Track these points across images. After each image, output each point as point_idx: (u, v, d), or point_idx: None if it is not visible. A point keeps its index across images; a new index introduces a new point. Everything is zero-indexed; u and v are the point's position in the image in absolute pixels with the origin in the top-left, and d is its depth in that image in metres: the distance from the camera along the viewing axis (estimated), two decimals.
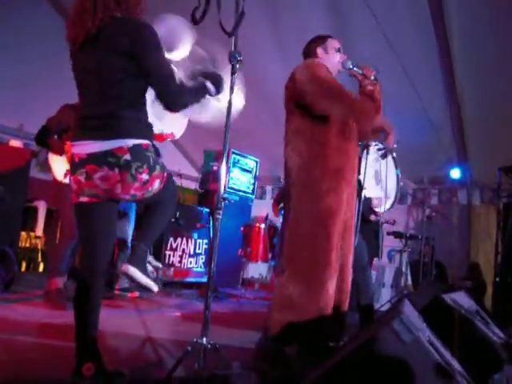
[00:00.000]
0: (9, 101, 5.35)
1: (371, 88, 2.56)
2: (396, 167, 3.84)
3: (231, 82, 2.08)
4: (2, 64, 5.04)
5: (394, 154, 3.74)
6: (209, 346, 1.98)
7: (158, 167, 1.87)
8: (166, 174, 1.94)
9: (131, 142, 1.79)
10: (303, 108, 2.41)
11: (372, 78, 2.55)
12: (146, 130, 1.88)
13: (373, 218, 3.94)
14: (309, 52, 2.67)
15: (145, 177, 1.82)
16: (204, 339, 1.98)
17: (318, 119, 2.40)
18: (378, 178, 3.60)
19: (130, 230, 4.53)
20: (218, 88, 2.04)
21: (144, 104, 1.90)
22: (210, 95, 2.04)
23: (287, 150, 2.50)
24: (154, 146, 1.92)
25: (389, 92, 4.76)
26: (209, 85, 2.01)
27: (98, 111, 1.82)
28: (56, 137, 3.61)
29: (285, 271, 2.34)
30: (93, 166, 1.79)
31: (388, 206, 3.75)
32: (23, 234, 5.14)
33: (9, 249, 4.04)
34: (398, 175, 3.84)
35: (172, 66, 1.89)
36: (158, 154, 2.00)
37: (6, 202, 4.12)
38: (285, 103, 2.55)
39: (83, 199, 1.89)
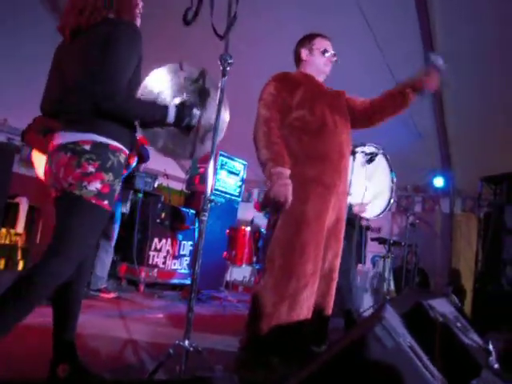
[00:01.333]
0: None
1: (413, 95, 2.52)
2: (391, 170, 3.76)
3: (221, 84, 2.07)
4: None
5: (388, 157, 3.68)
6: (191, 349, 1.97)
7: (110, 174, 1.77)
8: (106, 202, 1.77)
9: (100, 138, 1.76)
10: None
11: (425, 90, 2.50)
12: (121, 134, 1.83)
13: (364, 222, 3.93)
14: (295, 53, 2.62)
15: (90, 169, 1.73)
16: (186, 342, 1.97)
17: (294, 123, 2.38)
18: (369, 183, 3.57)
19: (115, 231, 4.51)
20: (180, 119, 1.91)
21: None
22: (165, 120, 1.89)
23: None
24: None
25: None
26: (171, 110, 1.88)
27: (77, 107, 1.79)
28: (41, 135, 3.57)
29: (261, 279, 2.33)
30: (56, 153, 1.78)
31: (379, 210, 3.69)
32: (3, 230, 5.06)
33: None
34: (392, 178, 3.74)
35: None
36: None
37: None
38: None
39: (53, 194, 1.84)
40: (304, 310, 2.24)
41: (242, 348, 2.30)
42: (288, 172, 2.23)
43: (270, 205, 2.30)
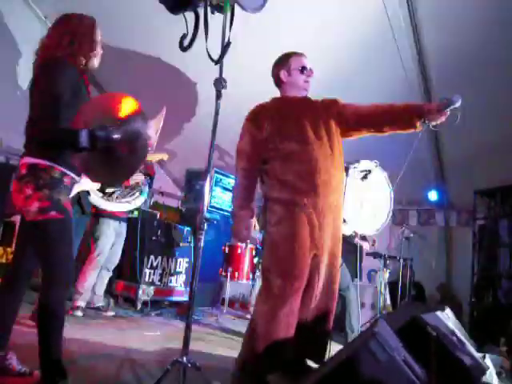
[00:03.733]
0: None
1: (433, 123, 2.44)
2: (389, 185, 3.71)
3: (216, 106, 2.12)
4: None
5: (385, 174, 3.70)
6: (189, 365, 1.98)
7: (45, 190, 1.95)
8: (53, 213, 1.95)
9: (31, 160, 1.98)
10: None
11: (435, 122, 2.41)
12: (51, 152, 1.99)
13: (356, 241, 3.96)
14: (274, 77, 2.63)
15: (28, 191, 1.95)
16: (184, 358, 1.98)
17: (271, 153, 2.47)
18: (364, 199, 3.57)
19: (118, 253, 4.53)
20: (93, 142, 1.85)
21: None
22: (78, 145, 1.86)
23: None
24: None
25: None
26: (83, 134, 1.83)
27: (28, 133, 2.06)
28: None
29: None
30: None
31: (379, 226, 3.69)
32: (0, 249, 5.06)
33: None
34: (390, 193, 3.71)
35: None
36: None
37: None
38: None
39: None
40: (282, 327, 2.24)
41: (236, 365, 2.32)
42: (242, 213, 2.48)
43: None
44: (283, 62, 2.59)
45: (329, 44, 4.54)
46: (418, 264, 6.11)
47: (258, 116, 2.52)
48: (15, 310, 2.15)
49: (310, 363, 2.36)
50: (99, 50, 2.22)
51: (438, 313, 2.45)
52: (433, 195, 6.75)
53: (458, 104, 2.29)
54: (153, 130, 3.91)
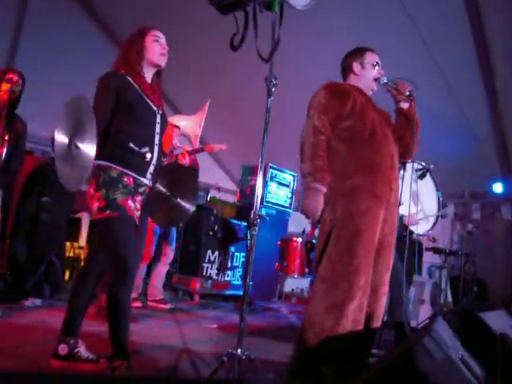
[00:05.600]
0: (57, 117, 5.64)
1: (405, 106, 2.52)
2: (437, 189, 3.71)
3: (268, 104, 2.14)
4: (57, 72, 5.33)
5: (434, 176, 3.64)
6: (243, 357, 2.03)
7: (103, 190, 2.09)
8: (108, 211, 2.07)
9: (96, 162, 2.07)
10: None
11: (407, 93, 2.47)
12: (111, 154, 2.14)
13: (415, 236, 3.87)
14: (345, 65, 2.61)
15: (91, 191, 2.13)
16: (239, 350, 2.03)
17: (344, 132, 2.37)
18: (416, 199, 3.51)
19: (172, 251, 4.66)
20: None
21: (114, 132, 2.18)
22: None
23: None
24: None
25: (430, 105, 4.75)
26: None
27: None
28: None
29: (312, 292, 2.34)
30: None
31: (428, 227, 3.63)
32: (67, 244, 5.37)
33: (55, 258, 4.24)
34: (438, 198, 3.69)
35: None
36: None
37: (53, 214, 4.33)
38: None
39: None
40: (349, 323, 2.18)
41: (293, 358, 2.32)
42: (323, 189, 2.28)
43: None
44: (358, 54, 2.57)
45: None
46: (481, 260, 5.84)
47: (340, 90, 2.46)
48: (88, 300, 2.28)
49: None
50: (157, 50, 2.28)
51: (502, 311, 2.35)
52: (498, 187, 6.42)
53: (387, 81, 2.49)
54: (196, 123, 4.02)
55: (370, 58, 2.55)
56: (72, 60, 5.57)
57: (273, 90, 2.14)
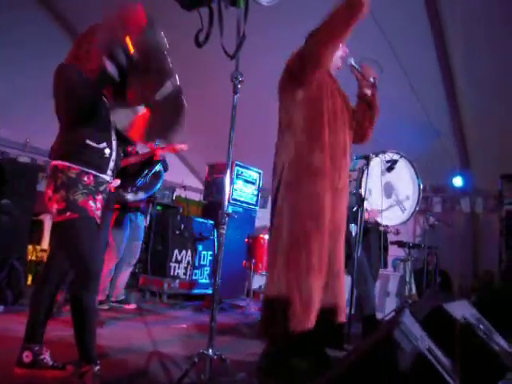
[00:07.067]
0: (15, 116, 5.45)
1: (368, 91, 2.54)
2: (417, 177, 3.70)
3: (234, 101, 2.13)
4: (7, 77, 5.14)
5: (413, 163, 3.63)
6: (215, 357, 2.02)
7: (62, 192, 2.04)
8: (68, 213, 2.03)
9: (53, 162, 2.11)
10: (297, 84, 2.34)
11: (371, 80, 2.51)
12: (68, 153, 2.09)
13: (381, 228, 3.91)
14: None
15: (49, 193, 2.08)
16: (210, 350, 2.02)
17: (310, 110, 2.33)
18: (392, 190, 3.54)
19: (138, 248, 4.59)
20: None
21: (69, 130, 2.13)
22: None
23: (277, 145, 2.46)
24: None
25: (391, 97, 4.83)
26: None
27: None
28: None
29: (268, 279, 2.34)
30: None
31: (405, 217, 3.66)
32: (29, 247, 5.20)
33: (16, 262, 4.09)
34: (419, 185, 3.69)
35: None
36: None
37: (14, 216, 4.18)
38: (278, 95, 2.46)
39: None
40: (314, 298, 2.21)
41: (263, 354, 2.33)
42: None
43: None
44: None
45: None
46: (443, 252, 6.03)
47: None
48: (50, 305, 2.22)
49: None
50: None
51: (464, 301, 2.43)
52: (457, 181, 6.64)
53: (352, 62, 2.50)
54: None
55: None
56: (30, 62, 5.37)
57: (239, 86, 2.13)
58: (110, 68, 1.99)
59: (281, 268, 2.26)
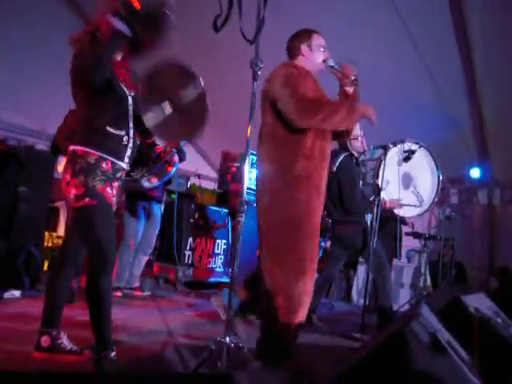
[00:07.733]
0: (31, 105, 5.50)
1: (349, 89, 2.53)
2: (437, 168, 3.65)
3: (253, 87, 2.11)
4: (21, 66, 5.18)
5: (434, 154, 3.58)
6: (232, 345, 2.02)
7: (80, 177, 2.04)
8: (87, 199, 2.03)
9: (72, 147, 2.12)
10: (277, 112, 2.37)
11: (352, 78, 2.51)
12: (88, 139, 2.10)
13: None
14: (292, 48, 2.58)
15: (67, 177, 2.08)
16: (227, 338, 2.02)
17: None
18: (410, 181, 3.49)
19: (154, 236, 4.62)
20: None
21: (89, 116, 2.13)
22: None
23: (259, 153, 2.50)
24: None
25: (410, 87, 4.77)
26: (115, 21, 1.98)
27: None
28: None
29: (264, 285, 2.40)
30: None
31: (423, 209, 3.62)
32: (46, 234, 5.26)
33: (34, 248, 4.15)
34: (439, 177, 3.64)
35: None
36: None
37: (31, 203, 4.23)
38: (261, 104, 2.46)
39: None
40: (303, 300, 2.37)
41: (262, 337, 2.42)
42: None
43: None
44: (305, 36, 2.56)
45: None
46: (459, 243, 5.96)
47: (300, 72, 2.44)
48: (66, 289, 2.26)
49: None
50: None
51: (481, 293, 2.41)
52: (475, 172, 6.54)
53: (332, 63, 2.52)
54: None
55: (317, 40, 2.55)
56: (45, 49, 5.40)
57: (259, 73, 2.10)
58: (119, 25, 1.98)
59: (271, 271, 2.40)
